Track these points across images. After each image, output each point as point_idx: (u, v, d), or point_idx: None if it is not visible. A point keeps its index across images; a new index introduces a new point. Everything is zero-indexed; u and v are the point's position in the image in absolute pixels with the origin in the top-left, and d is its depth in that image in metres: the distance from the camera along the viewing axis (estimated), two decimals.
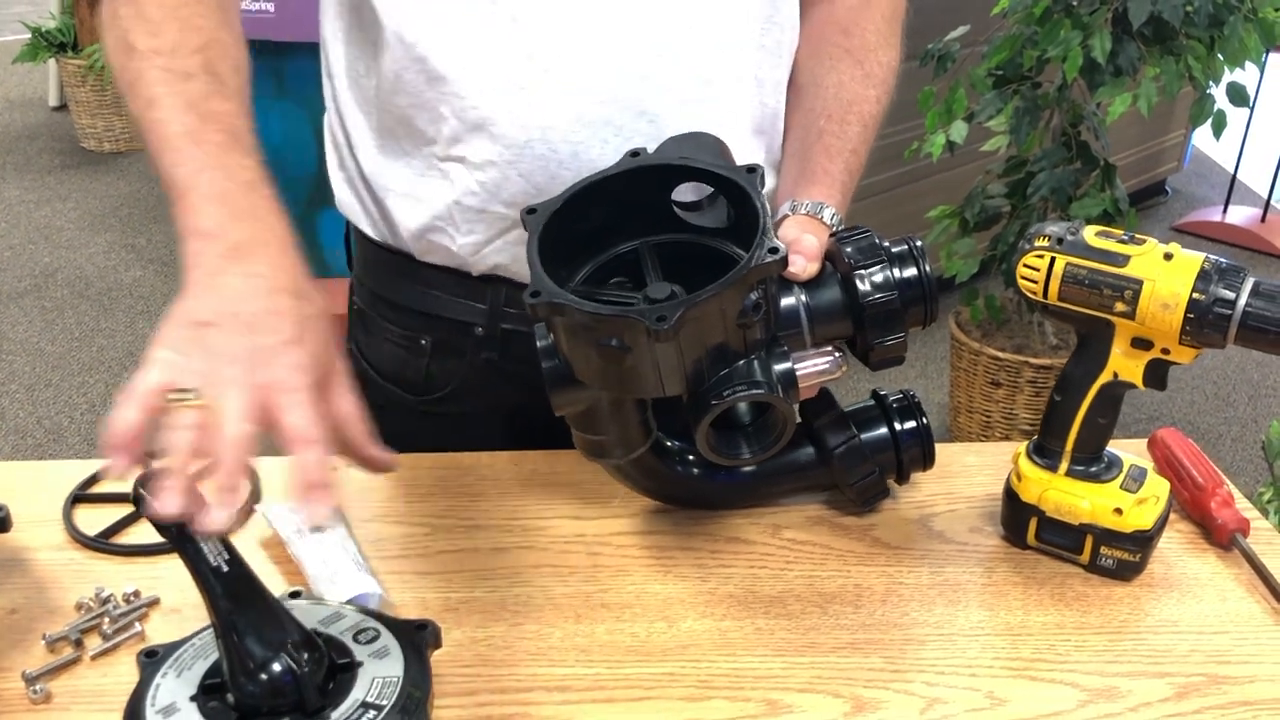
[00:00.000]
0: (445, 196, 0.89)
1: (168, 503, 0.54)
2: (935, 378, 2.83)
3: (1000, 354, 2.34)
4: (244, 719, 0.59)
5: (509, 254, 0.90)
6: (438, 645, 0.65)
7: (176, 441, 0.55)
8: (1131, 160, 3.51)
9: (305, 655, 0.59)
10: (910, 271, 0.74)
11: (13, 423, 2.55)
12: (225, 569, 0.59)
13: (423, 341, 0.96)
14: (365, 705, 0.59)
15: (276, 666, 0.59)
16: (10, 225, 3.54)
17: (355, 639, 0.63)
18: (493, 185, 0.87)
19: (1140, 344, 0.76)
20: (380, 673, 0.61)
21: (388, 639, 0.63)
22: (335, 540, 0.79)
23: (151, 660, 0.62)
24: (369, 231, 0.96)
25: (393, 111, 0.88)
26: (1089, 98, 2.18)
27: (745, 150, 0.87)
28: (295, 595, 0.67)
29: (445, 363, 0.96)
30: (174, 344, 0.58)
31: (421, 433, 1.00)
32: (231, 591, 0.59)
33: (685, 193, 0.77)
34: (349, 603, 0.71)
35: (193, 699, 0.60)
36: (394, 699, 0.59)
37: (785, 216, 0.81)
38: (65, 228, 3.53)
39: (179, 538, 0.59)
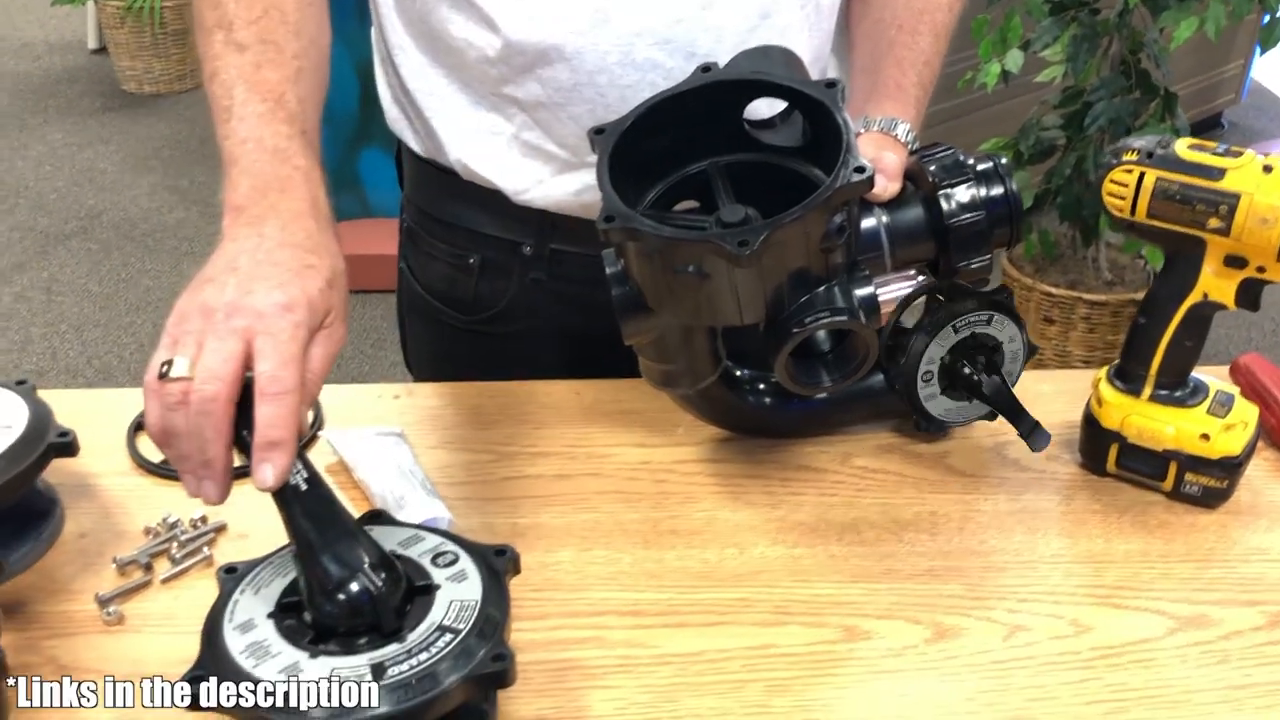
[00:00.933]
0: (494, 131, 0.87)
1: (194, 490, 0.57)
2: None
3: (1054, 290, 2.29)
4: (320, 638, 0.58)
5: (555, 199, 0.88)
6: (517, 571, 0.63)
7: (170, 424, 0.56)
8: (1187, 92, 3.40)
9: (383, 576, 0.58)
10: (997, 190, 0.71)
11: (63, 362, 2.57)
12: (304, 488, 0.58)
13: (470, 260, 0.95)
14: (442, 628, 0.58)
15: (354, 587, 0.58)
16: (55, 168, 3.56)
17: (433, 562, 0.62)
18: (544, 125, 0.85)
19: (1234, 262, 0.73)
20: (458, 596, 0.59)
21: (466, 563, 0.62)
22: (402, 466, 0.78)
23: (231, 576, 0.61)
24: (415, 147, 0.94)
25: (442, 40, 0.86)
26: (1150, 24, 2.10)
27: None
28: (375, 517, 0.66)
29: (494, 282, 0.95)
30: (178, 311, 0.59)
31: (473, 352, 0.99)
32: (310, 511, 0.58)
33: (757, 110, 0.74)
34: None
35: (270, 616, 0.59)
36: (471, 623, 0.58)
37: (857, 134, 0.78)
38: (109, 170, 3.53)
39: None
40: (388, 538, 0.63)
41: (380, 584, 0.58)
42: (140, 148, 3.69)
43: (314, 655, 0.57)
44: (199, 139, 3.73)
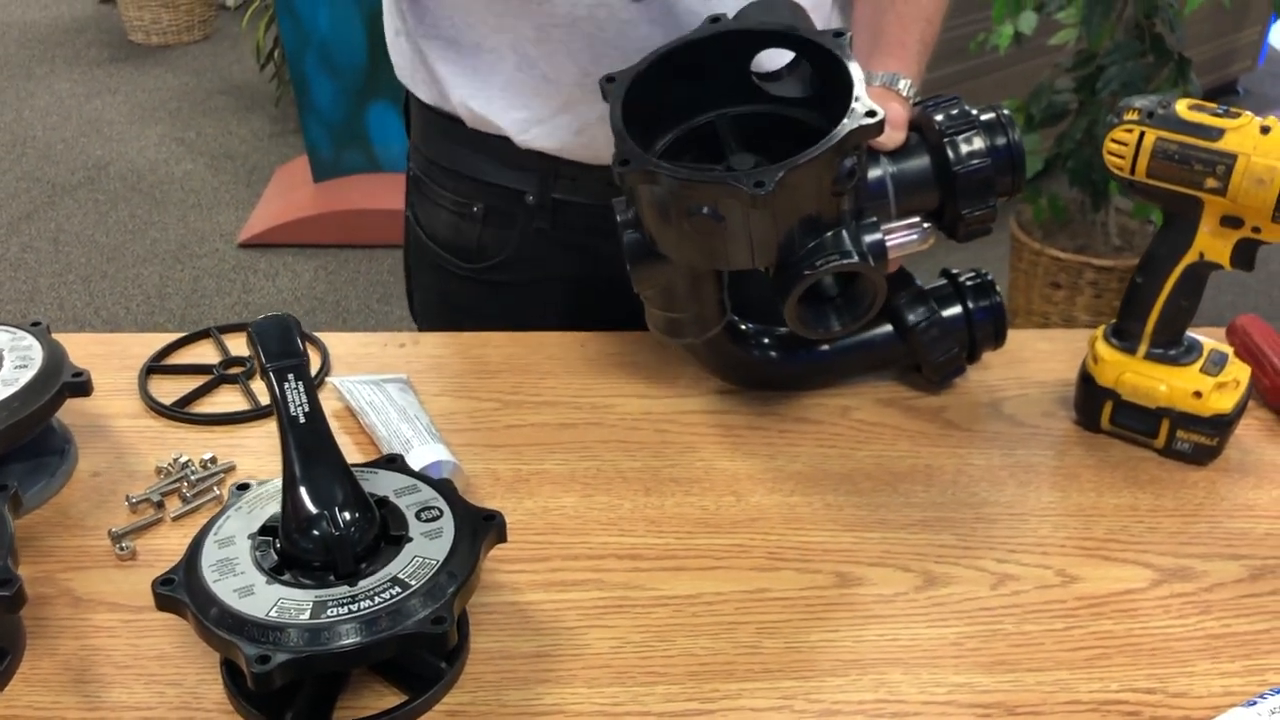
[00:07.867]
0: (493, 69, 0.88)
1: None
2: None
3: (1061, 254, 2.28)
4: (282, 567, 0.60)
5: (557, 139, 0.89)
6: (502, 539, 0.63)
7: None
8: (1202, 59, 3.37)
9: (350, 519, 0.59)
10: (1000, 139, 0.72)
11: (71, 313, 2.59)
12: (302, 420, 0.60)
13: (475, 209, 0.96)
14: (394, 581, 0.58)
15: (317, 524, 0.59)
16: (62, 118, 3.56)
17: (418, 515, 0.62)
18: (543, 60, 0.85)
19: (1230, 222, 0.74)
20: (423, 553, 0.60)
21: (446, 522, 0.62)
22: (407, 411, 0.80)
23: (238, 492, 0.63)
24: (422, 95, 0.95)
25: None
26: None
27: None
28: (390, 461, 0.67)
29: (498, 231, 0.96)
30: None
31: (476, 301, 1.01)
32: (301, 443, 0.60)
33: (764, 62, 0.75)
34: (423, 470, 0.71)
35: (249, 537, 0.61)
36: (423, 581, 0.58)
37: None
38: (116, 121, 3.53)
39: (274, 377, 0.60)
40: (387, 484, 0.64)
41: (343, 527, 0.59)
42: (147, 99, 3.68)
43: (270, 582, 0.58)
44: (205, 91, 3.73)
